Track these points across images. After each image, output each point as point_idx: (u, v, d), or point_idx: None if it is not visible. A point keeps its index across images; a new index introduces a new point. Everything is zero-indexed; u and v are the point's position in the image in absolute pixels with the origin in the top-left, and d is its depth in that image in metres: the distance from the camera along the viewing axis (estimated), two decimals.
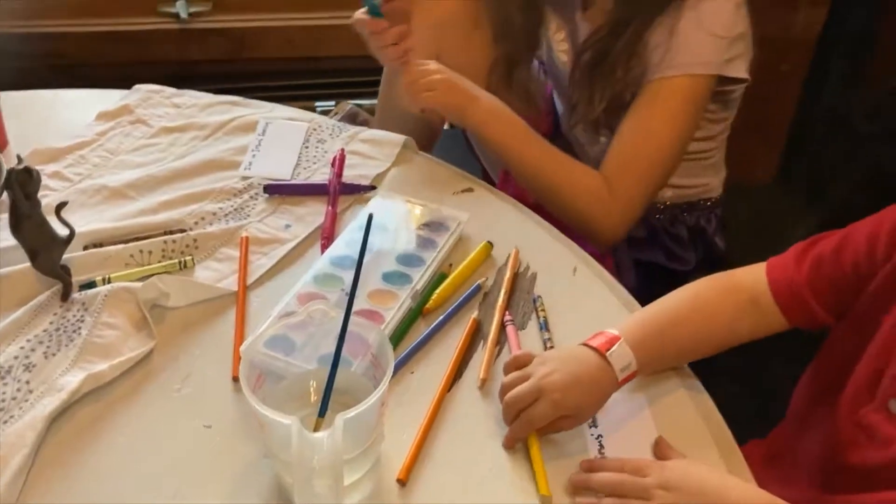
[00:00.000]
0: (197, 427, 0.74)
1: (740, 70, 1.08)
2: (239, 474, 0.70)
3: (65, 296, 0.85)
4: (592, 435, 0.75)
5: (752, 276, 0.83)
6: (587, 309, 0.88)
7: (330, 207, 1.00)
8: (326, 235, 0.96)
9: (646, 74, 1.06)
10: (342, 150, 1.09)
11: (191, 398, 0.77)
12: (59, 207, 0.84)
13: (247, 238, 0.94)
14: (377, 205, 0.99)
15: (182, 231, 0.95)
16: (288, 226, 0.98)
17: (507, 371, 0.77)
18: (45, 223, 0.84)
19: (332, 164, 1.06)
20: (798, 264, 0.81)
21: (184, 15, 1.81)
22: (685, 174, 1.19)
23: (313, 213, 1.00)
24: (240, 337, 0.83)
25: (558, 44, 1.23)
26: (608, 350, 0.74)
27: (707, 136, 1.19)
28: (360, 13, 1.14)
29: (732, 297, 0.83)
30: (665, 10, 1.06)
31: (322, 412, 0.64)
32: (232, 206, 1.01)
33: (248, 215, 1.00)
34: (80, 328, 0.82)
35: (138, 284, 0.85)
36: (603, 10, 1.12)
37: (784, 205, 1.71)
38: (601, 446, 0.74)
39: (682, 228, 1.23)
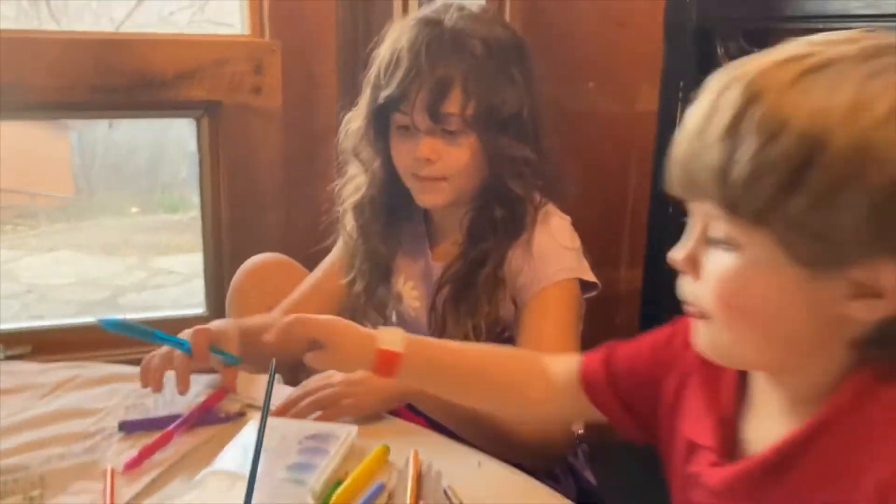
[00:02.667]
0: None
1: (591, 275, 1.16)
2: None
3: None
4: None
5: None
6: (502, 494, 0.83)
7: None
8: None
9: (518, 297, 1.12)
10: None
11: None
12: None
13: (112, 468, 0.83)
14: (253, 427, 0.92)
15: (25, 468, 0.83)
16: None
17: None
18: None
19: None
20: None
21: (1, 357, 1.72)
22: None
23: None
24: None
25: (409, 292, 1.26)
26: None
27: None
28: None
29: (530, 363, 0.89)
30: (519, 236, 1.14)
31: None
32: (82, 447, 0.90)
33: (104, 454, 0.89)
34: None
35: None
36: (454, 248, 1.18)
37: None
38: None
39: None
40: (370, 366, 0.85)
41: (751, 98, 0.59)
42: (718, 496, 0.70)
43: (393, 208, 1.23)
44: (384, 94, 1.12)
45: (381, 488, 0.83)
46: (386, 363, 0.85)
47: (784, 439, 0.65)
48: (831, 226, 0.58)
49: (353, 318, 1.15)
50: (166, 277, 3.89)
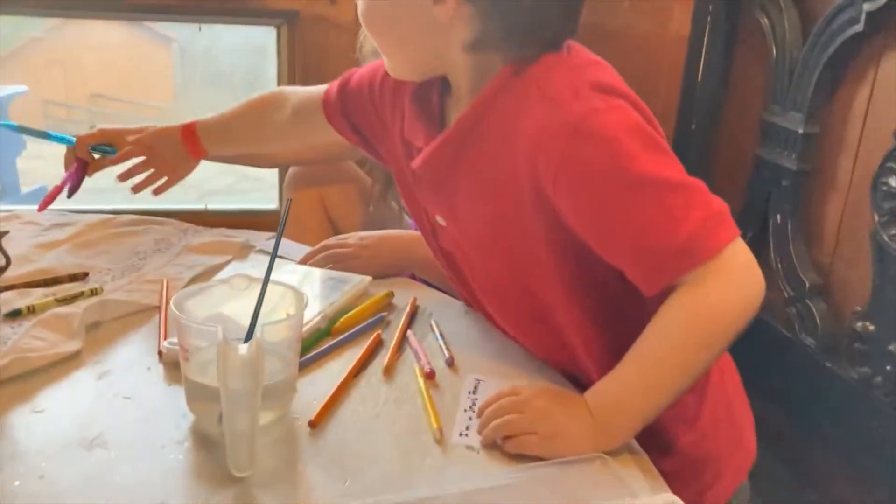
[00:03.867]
0: (117, 401, 0.81)
1: None
2: (162, 438, 0.77)
3: None
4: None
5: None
6: (478, 334, 1.01)
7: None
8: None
9: None
10: None
11: (113, 381, 0.85)
12: (0, 236, 0.95)
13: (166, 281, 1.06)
14: (287, 268, 1.13)
15: (86, 274, 1.07)
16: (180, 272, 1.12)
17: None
18: None
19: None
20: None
21: None
22: None
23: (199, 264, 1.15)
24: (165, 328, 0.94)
25: None
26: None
27: None
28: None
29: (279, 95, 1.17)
30: None
31: (248, 338, 0.74)
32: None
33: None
34: (7, 342, 0.90)
35: (66, 309, 0.94)
36: None
37: None
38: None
39: None
40: (183, 147, 1.19)
41: None
42: (421, 178, 0.93)
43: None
44: None
45: (381, 319, 1.02)
46: (189, 137, 1.19)
47: (454, 123, 0.88)
48: None
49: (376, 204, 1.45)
50: (252, 183, 4.19)
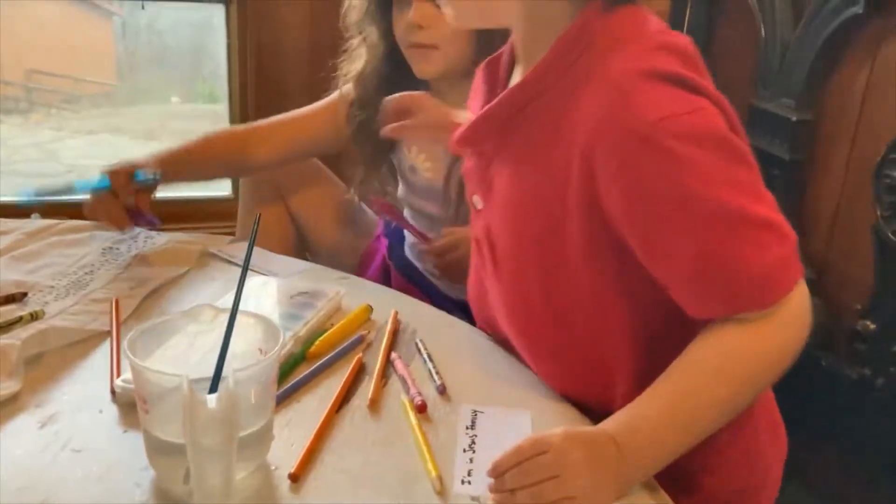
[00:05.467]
0: (66, 454, 0.71)
1: None
2: (120, 500, 0.67)
3: None
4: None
5: None
6: (467, 351, 0.93)
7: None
8: None
9: None
10: None
11: (59, 429, 0.74)
12: None
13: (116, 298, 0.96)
14: (254, 281, 1.03)
15: (24, 294, 0.96)
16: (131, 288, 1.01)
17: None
18: None
19: None
20: None
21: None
22: None
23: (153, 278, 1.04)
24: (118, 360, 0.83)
25: (422, 164, 1.36)
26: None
27: None
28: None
29: None
30: None
31: (213, 387, 0.64)
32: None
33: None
34: None
35: (2, 340, 0.83)
36: None
37: None
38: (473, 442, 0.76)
39: None
40: None
41: None
42: (466, 139, 0.85)
43: (394, 81, 1.31)
44: None
45: (360, 340, 0.93)
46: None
47: (508, 89, 0.79)
48: None
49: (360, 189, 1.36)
50: None
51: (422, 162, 1.36)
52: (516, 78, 0.85)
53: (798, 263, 0.70)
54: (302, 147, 1.41)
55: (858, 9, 1.35)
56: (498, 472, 0.68)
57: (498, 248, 0.85)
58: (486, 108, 0.81)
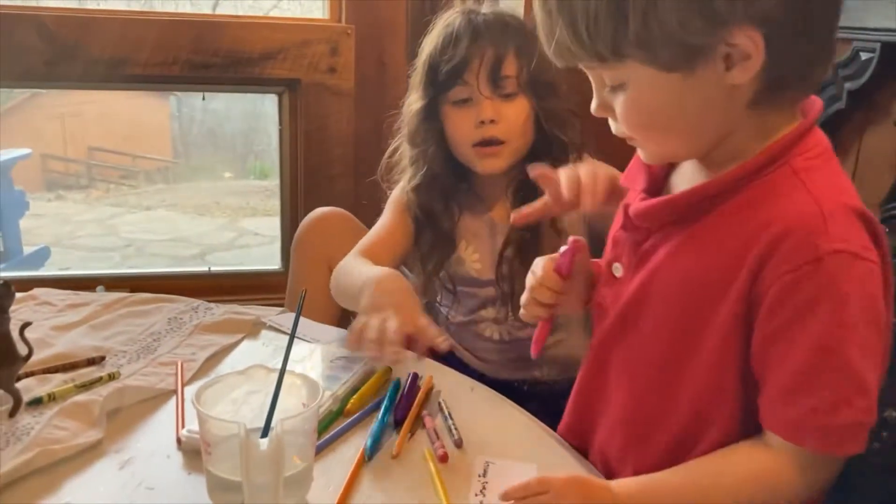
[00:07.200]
0: (140, 491, 0.86)
1: None
2: None
3: (13, 412, 0.98)
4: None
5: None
6: (486, 413, 1.06)
7: None
8: None
9: None
10: None
11: (135, 470, 0.89)
12: (24, 327, 1.00)
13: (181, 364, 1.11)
14: (300, 348, 1.18)
15: (102, 358, 1.12)
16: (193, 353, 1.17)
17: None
18: (9, 338, 0.99)
19: None
20: None
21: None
22: None
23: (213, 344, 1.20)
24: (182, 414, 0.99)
25: (470, 255, 1.46)
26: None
27: None
28: None
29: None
30: None
31: (265, 433, 0.79)
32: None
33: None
34: (30, 431, 0.94)
35: (86, 396, 0.99)
36: (508, 209, 1.34)
37: None
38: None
39: None
40: None
41: None
42: (632, 226, 0.90)
43: (450, 186, 1.43)
44: (446, 67, 1.34)
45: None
46: None
47: (701, 183, 0.84)
48: (668, 30, 0.73)
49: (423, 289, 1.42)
50: (252, 238, 4.26)
51: (470, 254, 1.45)
52: (687, 165, 0.90)
53: (864, 441, 0.78)
54: (395, 264, 1.43)
55: (841, 104, 1.47)
56: (505, 499, 0.81)
57: (632, 314, 0.91)
58: (673, 196, 0.86)
